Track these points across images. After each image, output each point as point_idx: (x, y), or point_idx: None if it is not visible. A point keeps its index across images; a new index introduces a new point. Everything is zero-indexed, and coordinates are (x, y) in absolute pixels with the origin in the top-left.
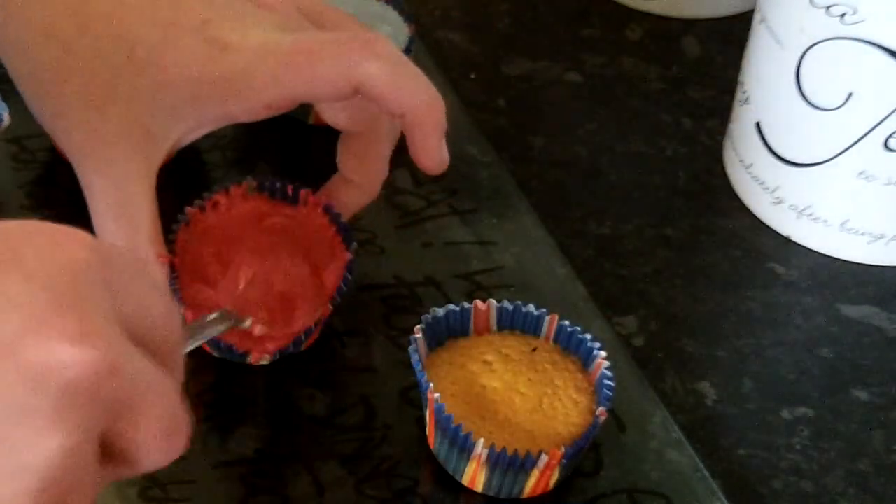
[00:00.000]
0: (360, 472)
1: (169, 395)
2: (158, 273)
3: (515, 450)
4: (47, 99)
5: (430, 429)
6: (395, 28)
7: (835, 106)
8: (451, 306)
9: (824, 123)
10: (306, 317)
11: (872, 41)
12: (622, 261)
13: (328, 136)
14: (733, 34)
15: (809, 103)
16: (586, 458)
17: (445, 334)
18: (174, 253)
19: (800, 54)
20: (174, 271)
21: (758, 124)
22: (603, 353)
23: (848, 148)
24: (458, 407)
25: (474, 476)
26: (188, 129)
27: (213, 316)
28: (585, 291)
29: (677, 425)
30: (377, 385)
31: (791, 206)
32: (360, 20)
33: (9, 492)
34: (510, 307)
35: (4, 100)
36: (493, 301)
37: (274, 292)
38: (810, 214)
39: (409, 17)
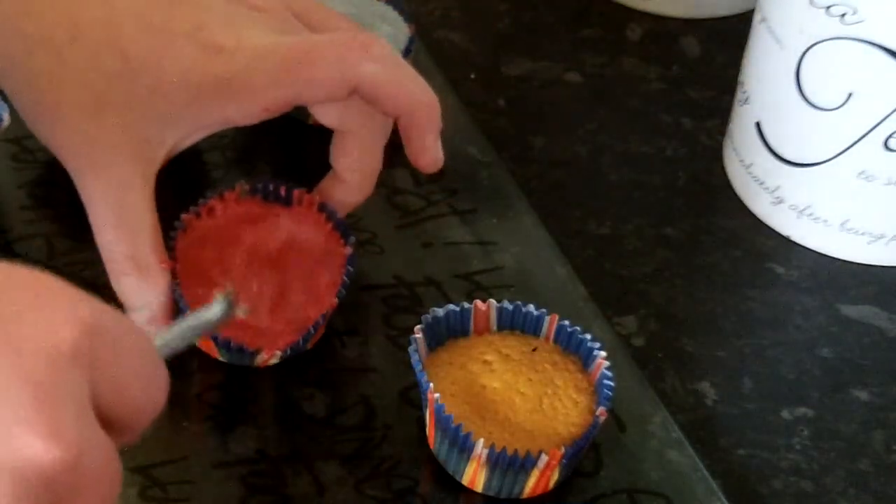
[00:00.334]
0: (360, 472)
1: (115, 477)
2: (149, 340)
3: (515, 450)
4: (42, 109)
5: (430, 429)
6: (395, 28)
7: (835, 106)
8: (451, 306)
9: (824, 123)
10: (311, 311)
11: (872, 41)
12: (622, 261)
13: (328, 137)
14: (733, 34)
15: (809, 103)
16: (586, 458)
17: (445, 334)
18: (175, 259)
19: (800, 54)
20: (176, 277)
21: (758, 124)
22: (603, 353)
23: (848, 148)
24: (458, 407)
25: (474, 476)
26: (185, 133)
27: (213, 302)
28: (585, 291)
29: (677, 425)
30: (377, 385)
31: (791, 206)
32: (360, 20)
33: None
34: (510, 307)
35: (4, 100)
36: (493, 301)
37: (277, 292)
38: (810, 214)
39: (409, 17)
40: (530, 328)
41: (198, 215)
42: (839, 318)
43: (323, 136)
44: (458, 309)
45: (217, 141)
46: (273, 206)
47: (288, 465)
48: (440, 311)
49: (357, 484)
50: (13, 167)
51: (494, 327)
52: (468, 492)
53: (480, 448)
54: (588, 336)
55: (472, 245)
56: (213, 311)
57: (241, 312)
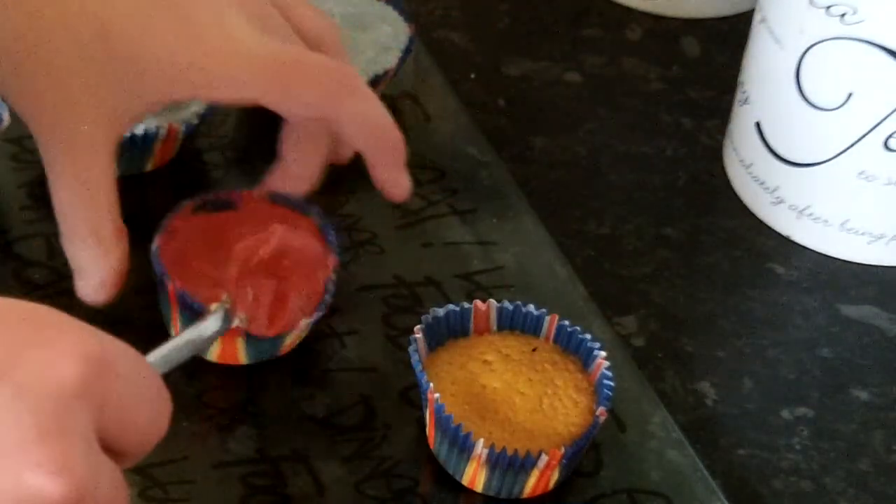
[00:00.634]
0: (360, 472)
1: (121, 498)
2: (152, 369)
3: (515, 450)
4: (12, 69)
5: (430, 429)
6: (395, 28)
7: (835, 106)
8: (451, 306)
9: (824, 123)
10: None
11: (872, 41)
12: (622, 261)
13: None
14: (733, 34)
15: (809, 103)
16: (586, 458)
17: (445, 334)
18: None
19: (800, 54)
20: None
21: (758, 124)
22: (603, 353)
23: (848, 148)
24: (458, 407)
25: (474, 476)
26: (152, 105)
27: (210, 311)
28: (585, 291)
29: (677, 425)
30: (377, 385)
31: (791, 206)
32: (360, 20)
33: None
34: (510, 307)
35: (4, 100)
36: (493, 301)
37: (274, 298)
38: (810, 214)
39: (409, 17)
40: (530, 328)
41: (168, 236)
42: (839, 318)
43: None
44: (458, 309)
45: (217, 141)
46: (224, 213)
47: (288, 465)
48: (440, 311)
49: (357, 484)
50: (13, 167)
51: (494, 327)
52: (468, 492)
53: (480, 448)
54: (588, 336)
55: (472, 245)
56: (210, 323)
57: (239, 322)
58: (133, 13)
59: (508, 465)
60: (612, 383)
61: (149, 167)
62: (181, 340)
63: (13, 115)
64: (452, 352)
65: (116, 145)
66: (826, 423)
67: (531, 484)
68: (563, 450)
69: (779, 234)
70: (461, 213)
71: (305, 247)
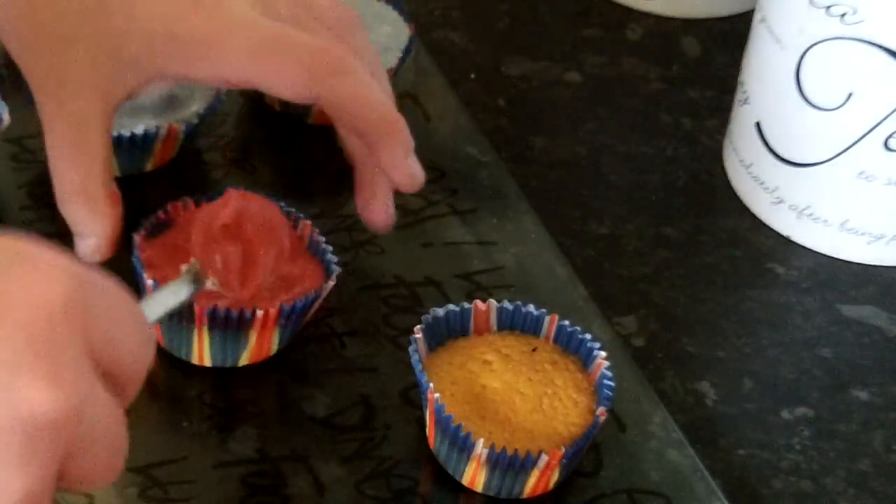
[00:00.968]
0: (360, 472)
1: (119, 430)
2: (131, 297)
3: (515, 450)
4: (17, 33)
5: (430, 429)
6: (395, 28)
7: (835, 106)
8: (451, 306)
9: (824, 123)
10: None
11: (872, 41)
12: (622, 261)
13: (328, 136)
14: (733, 34)
15: (809, 103)
16: (586, 458)
17: (445, 334)
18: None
19: (800, 54)
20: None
21: (758, 124)
22: (603, 353)
23: (848, 148)
24: (458, 407)
25: (474, 476)
26: (147, 78)
27: (180, 277)
28: (585, 291)
29: (677, 425)
30: (377, 385)
31: (791, 206)
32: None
33: None
34: (510, 307)
35: (4, 100)
36: (493, 301)
37: (243, 262)
38: (810, 214)
39: (409, 17)
40: (530, 328)
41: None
42: (839, 318)
43: (323, 136)
44: (458, 309)
45: (217, 141)
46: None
47: (288, 465)
48: (440, 311)
49: (357, 484)
50: (13, 167)
51: (494, 327)
52: (468, 492)
53: (480, 448)
54: (588, 336)
55: (472, 245)
56: (180, 283)
57: (211, 285)
58: None
59: (508, 465)
60: (612, 383)
61: (149, 167)
62: (151, 301)
63: (13, 114)
64: (452, 352)
65: (111, 117)
66: (826, 423)
67: (531, 484)
68: (563, 450)
69: (779, 234)
70: (461, 213)
71: (263, 208)
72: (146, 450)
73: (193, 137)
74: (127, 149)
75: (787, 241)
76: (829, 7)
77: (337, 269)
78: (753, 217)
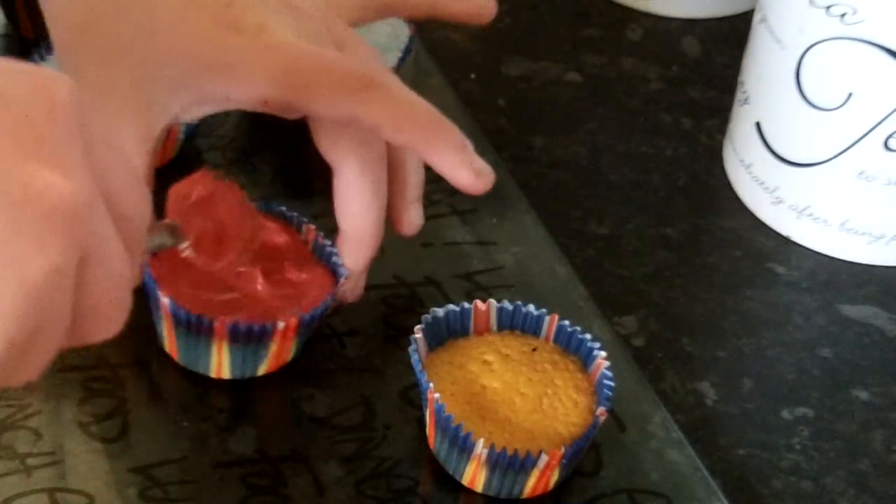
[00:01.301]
0: (360, 472)
1: (122, 262)
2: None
3: (515, 450)
4: (65, 49)
5: (430, 429)
6: (395, 28)
7: (835, 106)
8: (451, 306)
9: (824, 123)
10: (237, 258)
11: (872, 41)
12: (622, 261)
13: None
14: (733, 34)
15: (809, 103)
16: (586, 458)
17: (445, 334)
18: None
19: (800, 54)
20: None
21: (758, 124)
22: (603, 353)
23: (848, 148)
24: (458, 407)
25: (474, 476)
26: (187, 103)
27: (157, 226)
28: (585, 291)
29: (677, 425)
30: (377, 385)
31: (791, 206)
32: None
33: None
34: (510, 307)
35: None
36: (493, 301)
37: (212, 222)
38: (810, 214)
39: None
40: (530, 328)
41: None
42: (839, 318)
43: None
44: (458, 309)
45: (217, 141)
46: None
47: (288, 465)
48: (440, 311)
49: (357, 484)
50: None
51: (494, 327)
52: (468, 492)
53: (480, 448)
54: (588, 336)
55: (472, 245)
56: (156, 236)
57: (186, 248)
58: (178, 6)
59: (508, 465)
60: (612, 383)
61: None
62: None
63: None
64: (452, 352)
65: (154, 141)
66: (826, 423)
67: (531, 484)
68: (563, 450)
69: (779, 234)
70: (461, 213)
71: (232, 191)
72: (146, 450)
73: (193, 137)
74: None
75: (787, 241)
76: (829, 7)
77: (345, 273)
78: (753, 217)
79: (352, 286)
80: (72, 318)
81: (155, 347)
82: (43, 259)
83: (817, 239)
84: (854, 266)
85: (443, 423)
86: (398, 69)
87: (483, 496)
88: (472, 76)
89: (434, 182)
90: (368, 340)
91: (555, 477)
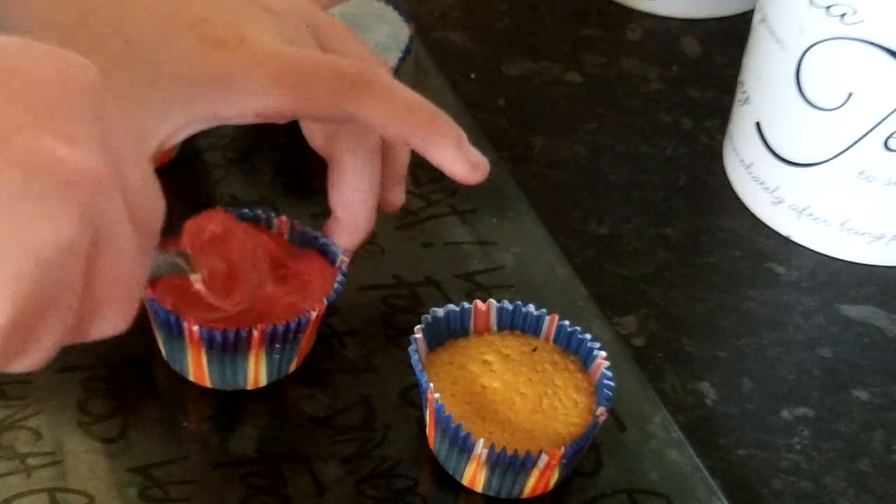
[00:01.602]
0: (360, 472)
1: (133, 256)
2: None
3: (515, 450)
4: None
5: (430, 429)
6: (395, 28)
7: (835, 106)
8: (451, 306)
9: (824, 123)
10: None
11: (872, 41)
12: (622, 261)
13: None
14: (733, 34)
15: (809, 103)
16: (586, 458)
17: (445, 334)
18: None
19: (800, 54)
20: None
21: (758, 124)
22: (603, 353)
23: (848, 148)
24: (458, 407)
25: (474, 476)
26: (178, 125)
27: (169, 253)
28: (585, 291)
29: (677, 425)
30: (377, 385)
31: (791, 206)
32: (360, 20)
33: (3, 274)
34: (510, 307)
35: None
36: (493, 301)
37: (224, 262)
38: (810, 214)
39: (409, 17)
40: (530, 328)
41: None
42: (839, 318)
43: None
44: (458, 309)
45: (217, 141)
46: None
47: (288, 465)
48: (440, 311)
49: (357, 484)
50: None
51: (494, 327)
52: (468, 492)
53: (480, 448)
54: (588, 336)
55: (472, 245)
56: (168, 263)
57: (197, 281)
58: (153, 30)
59: (508, 465)
60: (612, 383)
61: None
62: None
63: None
64: (452, 352)
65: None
66: (826, 423)
67: (531, 484)
68: (563, 450)
69: (779, 234)
70: (461, 213)
71: (246, 232)
72: (146, 450)
73: (193, 137)
74: None
75: (787, 241)
76: (829, 7)
77: (339, 251)
78: (753, 217)
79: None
80: (80, 305)
81: (155, 347)
82: (54, 230)
83: (817, 239)
84: (854, 266)
85: (443, 423)
86: (398, 69)
87: (483, 496)
88: (472, 76)
89: (434, 182)
90: (368, 340)
91: (555, 477)
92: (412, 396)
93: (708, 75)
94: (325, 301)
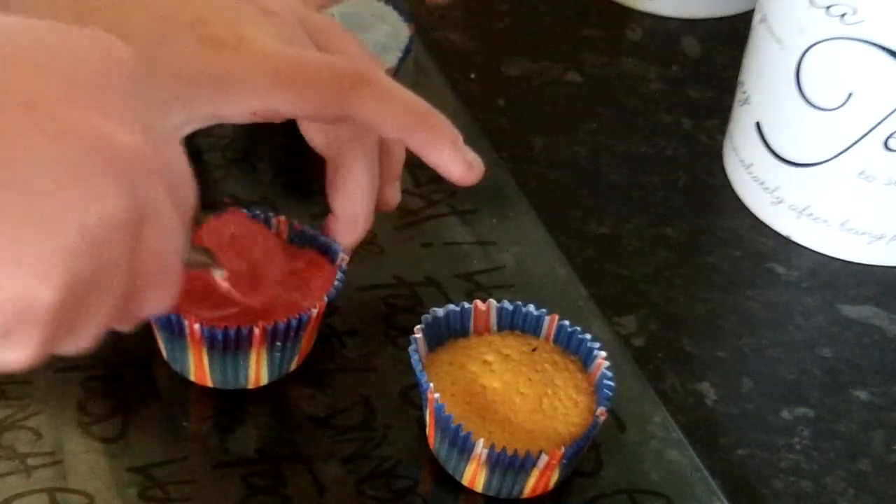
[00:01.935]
0: (360, 472)
1: (177, 234)
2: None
3: (515, 450)
4: None
5: (430, 429)
6: (395, 28)
7: (835, 106)
8: (451, 306)
9: (824, 123)
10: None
11: (872, 41)
12: (622, 261)
13: None
14: (733, 34)
15: (809, 103)
16: (586, 458)
17: (445, 334)
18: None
19: (800, 54)
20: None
21: (758, 124)
22: (603, 353)
23: (848, 148)
24: (458, 407)
25: (474, 476)
26: (177, 124)
27: (195, 247)
28: (585, 291)
29: (677, 425)
30: (377, 385)
31: (791, 206)
32: (360, 20)
33: (49, 247)
34: (510, 307)
35: None
36: (493, 301)
37: (247, 261)
38: (810, 214)
39: (409, 17)
40: (530, 328)
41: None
42: (839, 318)
43: None
44: (458, 309)
45: (217, 141)
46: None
47: (288, 465)
48: (440, 311)
49: (357, 484)
50: None
51: (494, 327)
52: (468, 492)
53: (480, 448)
54: (588, 336)
55: (472, 245)
56: (195, 258)
57: (219, 277)
58: (153, 30)
59: (508, 465)
60: (612, 383)
61: None
62: None
63: None
64: (452, 352)
65: None
66: (826, 423)
67: (531, 484)
68: (563, 450)
69: (779, 234)
70: (461, 213)
71: (265, 233)
72: (146, 450)
73: (193, 137)
74: None
75: (787, 241)
76: (829, 7)
77: (339, 248)
78: (753, 217)
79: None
80: (127, 283)
81: (155, 347)
82: (102, 206)
83: (817, 239)
84: (854, 266)
85: (443, 423)
86: (398, 69)
87: (483, 496)
88: (472, 76)
89: (434, 182)
90: (368, 340)
91: (555, 477)
92: (412, 396)
93: (708, 75)
94: (326, 298)
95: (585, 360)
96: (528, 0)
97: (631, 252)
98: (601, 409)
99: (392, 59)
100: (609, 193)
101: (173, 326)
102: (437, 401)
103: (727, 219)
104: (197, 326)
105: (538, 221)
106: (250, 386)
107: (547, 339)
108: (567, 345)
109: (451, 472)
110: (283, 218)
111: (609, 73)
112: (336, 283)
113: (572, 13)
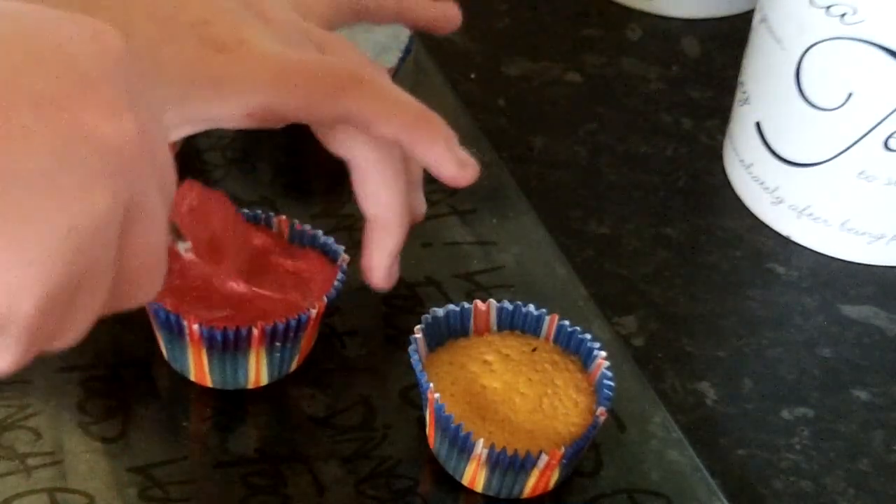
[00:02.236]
0: (360, 472)
1: (163, 222)
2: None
3: (515, 450)
4: None
5: (430, 429)
6: (395, 28)
7: (835, 106)
8: (451, 306)
9: (824, 123)
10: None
11: (872, 41)
12: (622, 261)
13: None
14: (733, 34)
15: (809, 103)
16: (586, 458)
17: (445, 334)
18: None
19: (800, 54)
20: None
21: (758, 124)
22: (603, 353)
23: (848, 148)
24: (458, 407)
25: (474, 476)
26: (173, 125)
27: None
28: (585, 291)
29: (677, 425)
30: (377, 385)
31: (791, 206)
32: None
33: (32, 253)
34: (510, 307)
35: None
36: (493, 301)
37: (208, 230)
38: (810, 214)
39: None
40: (530, 328)
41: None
42: (839, 318)
43: None
44: (458, 309)
45: (217, 141)
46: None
47: (288, 465)
48: (440, 311)
49: (357, 484)
50: None
51: (494, 327)
52: (468, 492)
53: (480, 448)
54: (588, 336)
55: (472, 245)
56: None
57: (183, 248)
58: (154, 30)
59: (508, 465)
60: (612, 383)
61: None
62: None
63: None
64: (452, 352)
65: None
66: (826, 423)
67: (531, 484)
68: (563, 450)
69: (779, 234)
70: (461, 213)
71: (223, 202)
72: (146, 450)
73: (193, 137)
74: None
75: (787, 241)
76: (829, 7)
77: (340, 249)
78: (753, 217)
79: (385, 274)
80: (113, 279)
81: (155, 347)
82: (90, 202)
83: (817, 239)
84: (854, 266)
85: (443, 423)
86: (398, 69)
87: (483, 496)
88: (472, 76)
89: (434, 182)
90: (368, 340)
91: (555, 477)
92: (412, 396)
93: (708, 75)
94: (326, 299)
95: (585, 360)
96: (528, 0)
97: (631, 252)
98: (601, 409)
99: (392, 59)
100: (609, 193)
101: (173, 326)
102: (437, 401)
103: (727, 219)
104: (196, 327)
105: (538, 221)
106: (250, 386)
107: (547, 339)
108: (567, 345)
109: (451, 472)
110: (283, 218)
111: (609, 73)
112: (336, 283)
113: (572, 13)
